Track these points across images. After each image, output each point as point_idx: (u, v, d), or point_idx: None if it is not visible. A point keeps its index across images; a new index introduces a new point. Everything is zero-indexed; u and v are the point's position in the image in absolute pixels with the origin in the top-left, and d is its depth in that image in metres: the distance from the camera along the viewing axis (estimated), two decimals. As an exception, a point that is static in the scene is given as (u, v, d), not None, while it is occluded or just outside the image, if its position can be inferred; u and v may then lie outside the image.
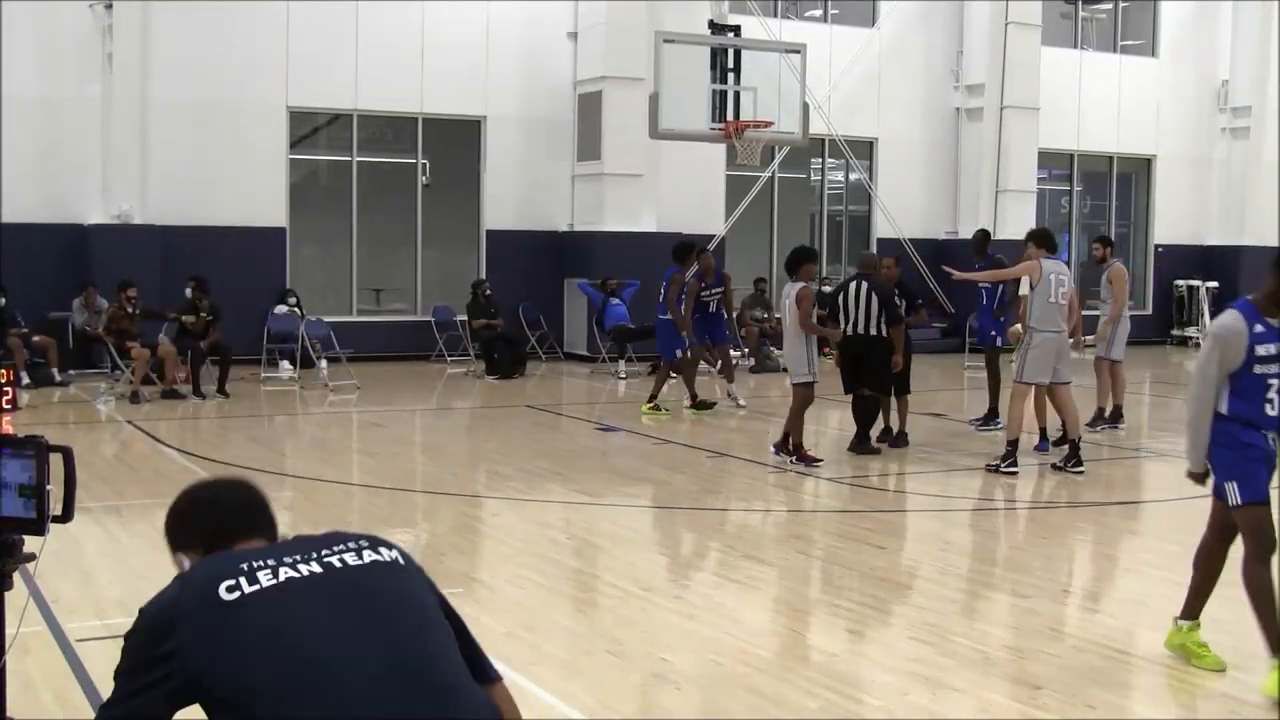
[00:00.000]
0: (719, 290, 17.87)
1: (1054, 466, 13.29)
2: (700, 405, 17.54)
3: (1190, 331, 30.74)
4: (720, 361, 18.46)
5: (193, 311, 18.74)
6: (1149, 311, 31.65)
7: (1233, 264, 30.89)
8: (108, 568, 8.90)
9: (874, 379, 14.53)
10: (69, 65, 21.20)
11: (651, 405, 17.43)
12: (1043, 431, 14.90)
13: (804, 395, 13.66)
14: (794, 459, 13.58)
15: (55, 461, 4.52)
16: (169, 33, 21.73)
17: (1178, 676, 7.07)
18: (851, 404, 14.92)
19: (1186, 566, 9.84)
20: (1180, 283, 31.25)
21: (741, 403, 18.01)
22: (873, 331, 14.33)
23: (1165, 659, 7.36)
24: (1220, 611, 7.48)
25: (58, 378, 19.18)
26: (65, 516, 5.24)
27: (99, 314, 19.33)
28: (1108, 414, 16.31)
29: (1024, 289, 13.35)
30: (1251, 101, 31.14)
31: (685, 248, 18.03)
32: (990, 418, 16.18)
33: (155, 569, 8.94)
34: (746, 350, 23.18)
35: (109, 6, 21.06)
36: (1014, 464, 12.99)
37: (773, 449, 13.96)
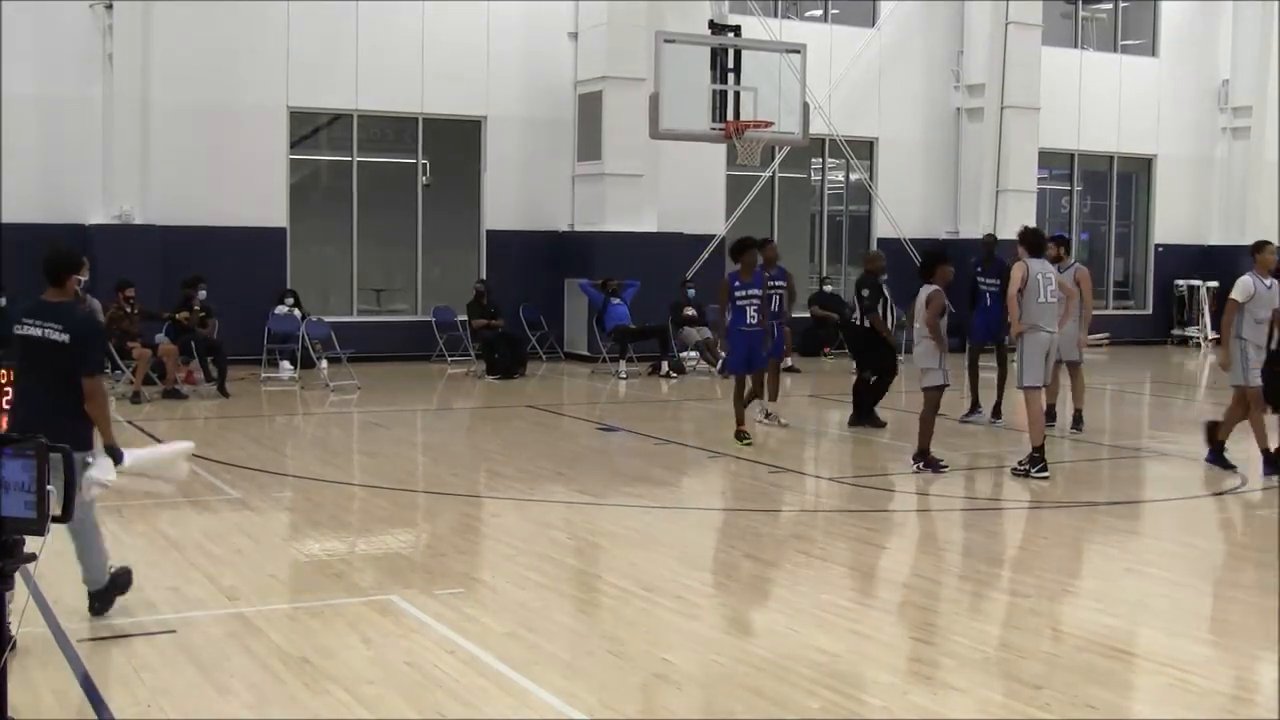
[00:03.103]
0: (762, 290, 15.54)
1: (1014, 472, 13.18)
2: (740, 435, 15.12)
3: (1191, 331, 30.74)
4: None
5: (186, 308, 18.76)
6: (1149, 311, 31.68)
7: (1233, 264, 30.76)
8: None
9: (865, 363, 16.15)
10: (69, 65, 21.17)
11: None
12: (1077, 414, 16.00)
13: (934, 399, 13.49)
14: (921, 465, 13.32)
15: (55, 462, 4.53)
16: (169, 33, 21.73)
17: (1178, 676, 7.06)
18: (855, 385, 16.34)
19: (1186, 566, 9.87)
20: (1180, 282, 31.24)
21: (784, 421, 16.33)
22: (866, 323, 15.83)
23: (1165, 658, 7.36)
24: (1218, 609, 7.47)
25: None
26: (65, 517, 5.25)
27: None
28: (1076, 418, 16.21)
29: (1013, 290, 13.37)
30: (1252, 101, 31.15)
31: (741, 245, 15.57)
32: (972, 410, 16.88)
33: (156, 569, 8.97)
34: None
35: (109, 6, 21.06)
36: (1044, 468, 12.92)
37: (914, 462, 13.41)
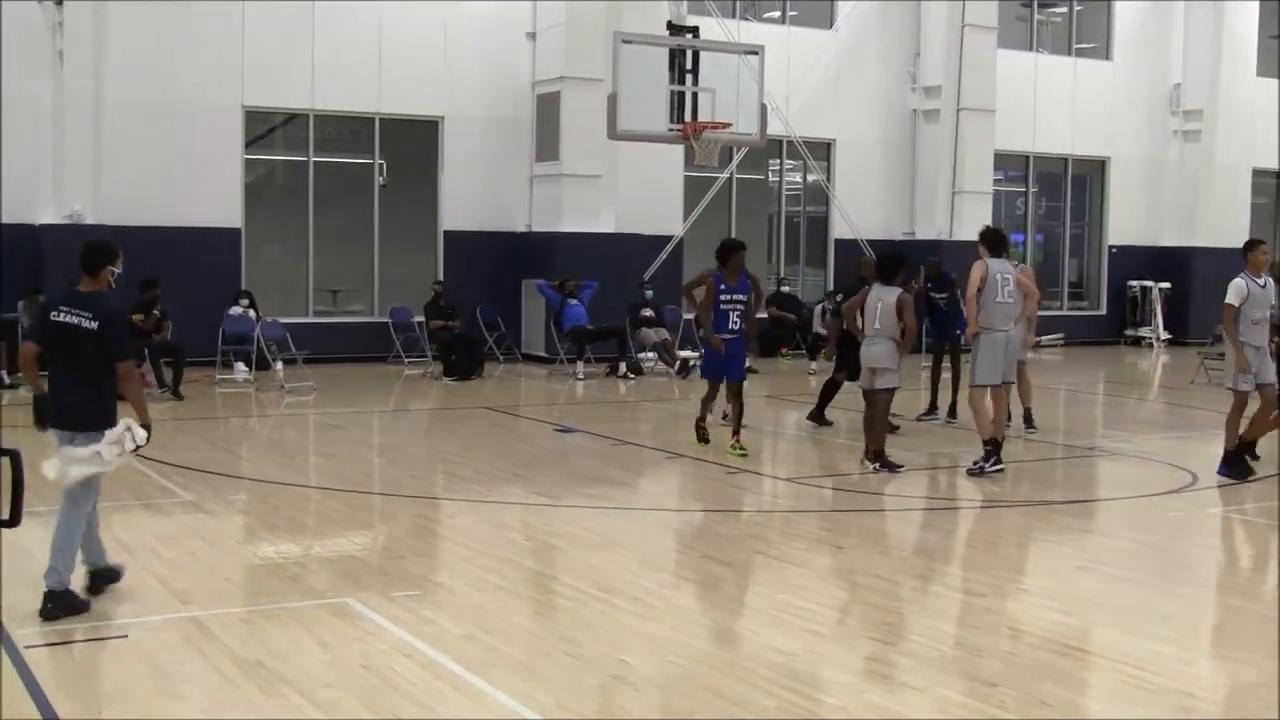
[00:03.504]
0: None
1: (970, 471, 13.22)
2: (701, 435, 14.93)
3: (1144, 331, 30.97)
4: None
5: (144, 310, 18.61)
6: (1103, 312, 31.90)
7: (1185, 265, 31.14)
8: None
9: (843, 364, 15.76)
10: (18, 62, 20.80)
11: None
12: (1027, 413, 16.03)
13: (887, 400, 13.57)
14: (878, 466, 13.38)
15: (3, 465, 4.49)
16: (122, 30, 21.56)
17: (1132, 673, 7.11)
18: (826, 383, 16.37)
19: (1140, 564, 9.95)
20: (1134, 283, 31.47)
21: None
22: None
23: (1119, 656, 7.40)
24: (1171, 606, 7.52)
25: (6, 380, 18.98)
26: (13, 521, 5.20)
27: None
28: (1026, 417, 16.31)
29: (971, 290, 13.42)
30: (1203, 105, 31.51)
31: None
32: (929, 411, 17.06)
33: (109, 572, 8.87)
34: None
35: (59, 3, 20.83)
36: (997, 462, 13.00)
37: (871, 463, 13.44)
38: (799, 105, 26.69)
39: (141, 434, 8.11)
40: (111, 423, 8.07)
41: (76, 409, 8.12)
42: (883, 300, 13.41)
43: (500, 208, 24.85)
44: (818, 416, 16.43)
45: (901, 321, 13.31)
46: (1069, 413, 18.93)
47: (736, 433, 14.30)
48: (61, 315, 8.14)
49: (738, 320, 14.36)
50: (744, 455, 14.07)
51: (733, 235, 26.20)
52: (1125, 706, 6.71)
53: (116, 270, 8.51)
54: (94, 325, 8.05)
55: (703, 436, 14.76)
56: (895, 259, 14.02)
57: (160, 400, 17.97)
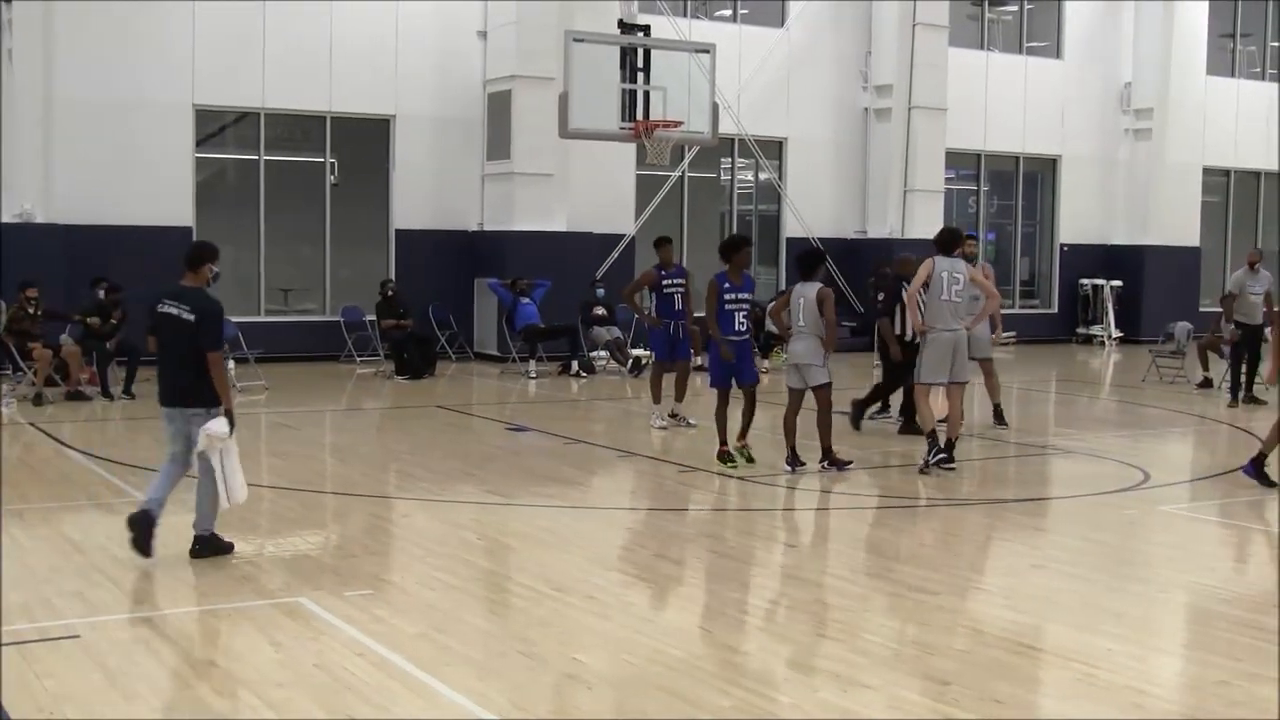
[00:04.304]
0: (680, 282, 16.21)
1: (921, 469, 13.27)
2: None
3: (1096, 330, 31.17)
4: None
5: (102, 314, 18.44)
6: (1054, 310, 32.10)
7: (1136, 263, 31.38)
8: (10, 573, 8.74)
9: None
10: (-35, 61, 20.76)
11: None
12: (997, 409, 16.35)
13: (826, 397, 13.30)
14: (827, 464, 13.28)
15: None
16: (71, 29, 21.42)
17: (1084, 671, 7.14)
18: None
19: (1093, 562, 10.01)
20: (1085, 282, 31.70)
21: (692, 422, 16.08)
22: None
23: (1072, 653, 7.44)
24: (1124, 604, 7.55)
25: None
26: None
27: (-3, 314, 18.90)
28: (996, 414, 16.42)
29: (913, 287, 13.45)
30: (1153, 103, 31.74)
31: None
32: (881, 409, 16.88)
33: (58, 574, 8.82)
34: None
35: (8, 1, 20.67)
36: (938, 452, 13.05)
37: (820, 462, 13.34)
38: (750, 104, 26.78)
39: (219, 429, 9.18)
40: (212, 401, 9.23)
41: (179, 389, 9.35)
42: (804, 296, 13.25)
43: (452, 206, 24.79)
44: (867, 414, 16.30)
45: (823, 316, 13.25)
46: (1022, 411, 19.01)
47: (744, 435, 13.62)
48: (166, 307, 9.41)
49: (744, 321, 13.67)
50: (751, 461, 13.51)
51: (684, 234, 26.45)
52: (1079, 704, 6.75)
53: (216, 268, 9.74)
54: (191, 318, 9.27)
55: (733, 457, 13.54)
56: (815, 255, 13.80)
57: (103, 402, 17.83)
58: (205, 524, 9.46)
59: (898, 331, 15.44)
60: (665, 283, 15.98)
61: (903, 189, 28.24)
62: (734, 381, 13.76)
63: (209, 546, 9.42)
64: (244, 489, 9.43)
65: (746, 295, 13.71)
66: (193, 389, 9.27)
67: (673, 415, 16.17)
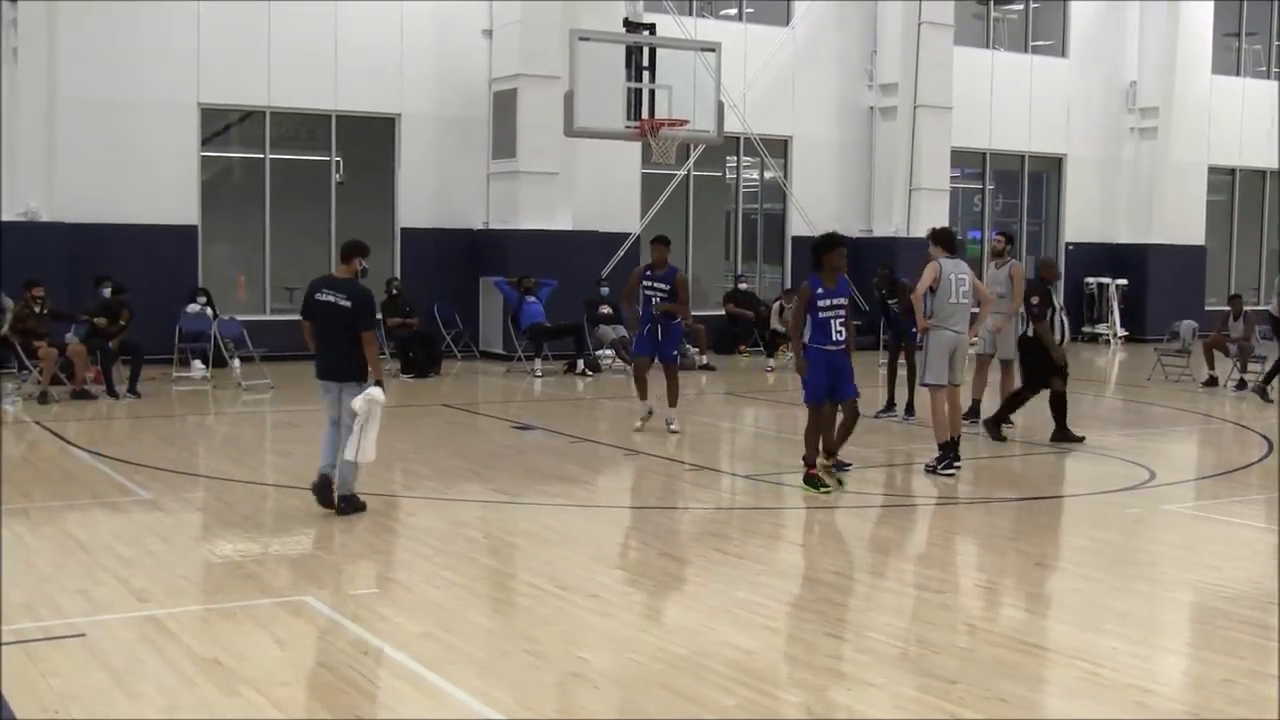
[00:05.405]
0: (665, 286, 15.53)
1: (927, 469, 13.24)
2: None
3: (1101, 328, 31.15)
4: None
5: (109, 313, 18.45)
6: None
7: (1141, 262, 31.37)
8: (14, 571, 8.75)
9: (1032, 375, 15.49)
10: (-30, 60, 20.77)
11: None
12: (975, 404, 16.15)
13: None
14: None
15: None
16: (76, 27, 21.42)
17: (1088, 670, 7.14)
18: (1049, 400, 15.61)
19: (1097, 561, 10.00)
20: (1090, 280, 31.67)
21: (674, 428, 15.58)
22: None
23: (1076, 652, 7.44)
24: (1129, 603, 7.55)
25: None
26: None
27: (2, 313, 18.87)
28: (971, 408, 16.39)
29: (920, 289, 13.44)
30: (1158, 102, 31.71)
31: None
32: (887, 408, 17.09)
33: (64, 571, 8.83)
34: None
35: (13, 1, 20.67)
36: (949, 464, 13.02)
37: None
38: (756, 102, 26.78)
39: (377, 395, 10.59)
40: (363, 376, 10.68)
41: (337, 366, 10.84)
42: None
43: (457, 205, 24.79)
44: (1061, 433, 15.44)
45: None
46: (1026, 409, 18.95)
47: (833, 453, 12.42)
48: (323, 295, 10.83)
49: (840, 329, 12.03)
50: (842, 485, 12.29)
51: (689, 233, 26.44)
52: (1082, 702, 6.75)
53: (365, 264, 11.13)
54: (348, 304, 10.71)
55: (823, 481, 12.22)
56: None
57: (108, 401, 17.85)
58: (346, 487, 10.73)
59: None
60: (644, 283, 15.42)
61: (908, 188, 28.22)
62: (830, 396, 12.19)
63: (351, 504, 10.73)
64: (375, 451, 10.67)
65: (842, 300, 12.08)
66: (345, 364, 10.73)
67: (666, 421, 15.62)
